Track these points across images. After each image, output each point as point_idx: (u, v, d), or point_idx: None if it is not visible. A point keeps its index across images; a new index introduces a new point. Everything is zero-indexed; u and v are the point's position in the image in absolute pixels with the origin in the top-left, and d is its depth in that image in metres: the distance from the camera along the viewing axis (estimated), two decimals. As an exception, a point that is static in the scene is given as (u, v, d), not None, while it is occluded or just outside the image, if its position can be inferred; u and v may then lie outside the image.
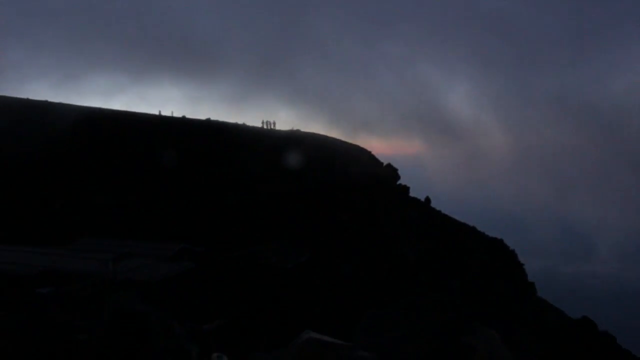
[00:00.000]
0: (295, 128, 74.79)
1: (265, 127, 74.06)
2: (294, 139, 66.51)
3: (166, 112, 77.14)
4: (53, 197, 45.51)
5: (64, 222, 40.74)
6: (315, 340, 7.74)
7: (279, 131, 72.39)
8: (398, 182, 69.58)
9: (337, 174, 58.02)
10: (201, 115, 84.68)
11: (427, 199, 68.27)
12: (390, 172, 69.94)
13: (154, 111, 78.72)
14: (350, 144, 76.08)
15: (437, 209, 67.89)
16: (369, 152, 75.34)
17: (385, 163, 72.40)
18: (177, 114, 76.92)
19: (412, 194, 68.62)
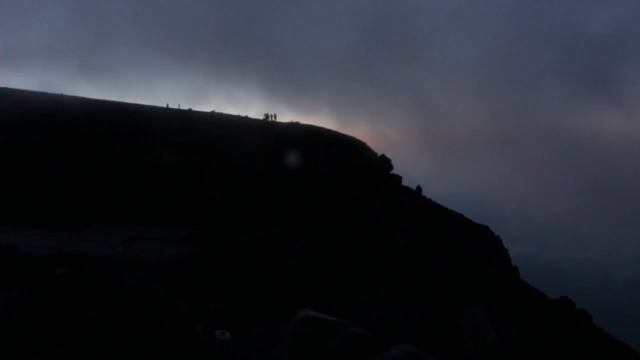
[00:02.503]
0: (294, 121, 74.53)
1: (267, 119, 73.82)
2: (293, 130, 66.29)
3: (173, 105, 77.01)
4: (72, 185, 45.42)
5: (79, 209, 40.69)
6: (312, 317, 7.80)
7: (280, 123, 72.10)
8: (391, 172, 69.41)
9: (334, 164, 57.88)
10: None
11: (419, 188, 68.19)
12: (383, 163, 69.72)
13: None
14: (346, 136, 75.67)
15: (428, 197, 67.90)
16: (364, 144, 74.98)
17: (379, 154, 72.10)
18: (184, 106, 76.83)
19: (404, 183, 68.56)
